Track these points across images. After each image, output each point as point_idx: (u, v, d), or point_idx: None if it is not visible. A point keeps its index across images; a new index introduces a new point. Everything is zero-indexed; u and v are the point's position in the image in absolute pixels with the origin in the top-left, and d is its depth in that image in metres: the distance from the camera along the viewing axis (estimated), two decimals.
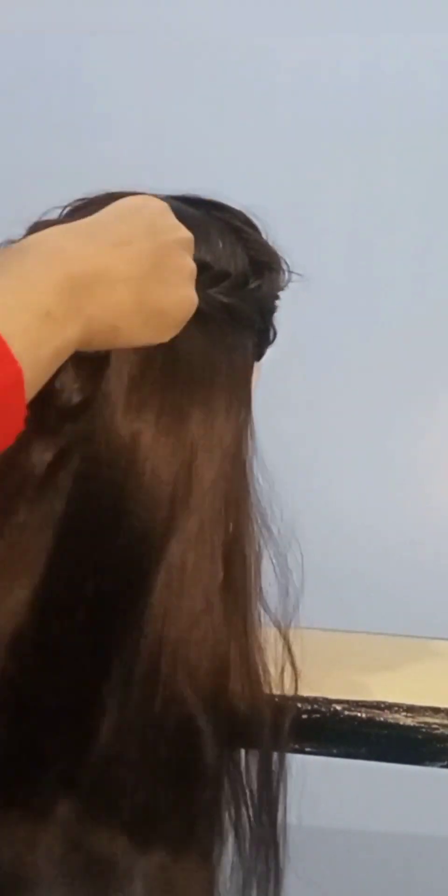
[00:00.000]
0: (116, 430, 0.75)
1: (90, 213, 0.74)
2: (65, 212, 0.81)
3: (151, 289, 0.70)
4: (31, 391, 0.63)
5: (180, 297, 0.73)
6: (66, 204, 0.82)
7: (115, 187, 0.81)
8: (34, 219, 0.81)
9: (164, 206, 0.75)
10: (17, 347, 0.61)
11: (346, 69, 1.63)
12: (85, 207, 0.80)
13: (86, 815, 0.76)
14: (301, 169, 1.63)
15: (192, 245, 0.75)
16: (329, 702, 0.83)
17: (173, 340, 0.74)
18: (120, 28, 1.65)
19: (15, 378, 0.61)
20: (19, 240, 0.72)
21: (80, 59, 1.67)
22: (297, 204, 1.55)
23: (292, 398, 1.58)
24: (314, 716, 0.82)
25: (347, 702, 0.83)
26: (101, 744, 0.75)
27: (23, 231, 0.81)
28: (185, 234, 0.74)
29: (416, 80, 1.62)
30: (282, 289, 0.84)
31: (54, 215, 0.81)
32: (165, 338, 0.74)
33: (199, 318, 0.75)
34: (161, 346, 0.74)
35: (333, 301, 1.60)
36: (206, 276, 0.77)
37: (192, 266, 0.74)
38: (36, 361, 0.63)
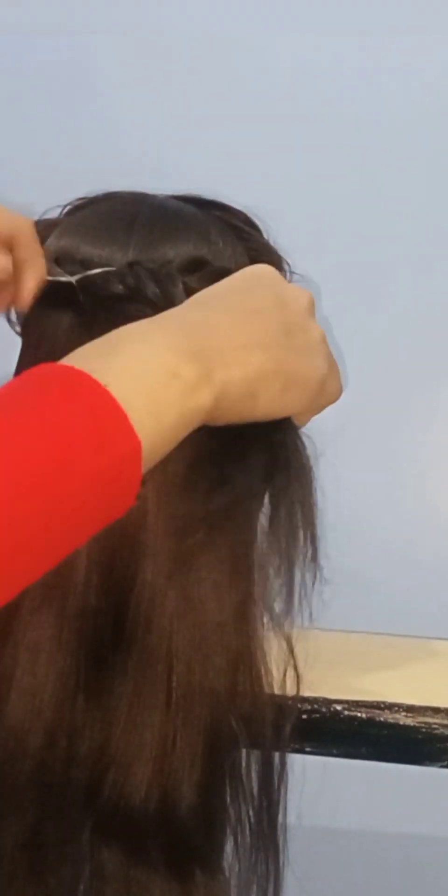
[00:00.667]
0: None
1: (90, 213, 0.74)
2: (64, 211, 0.81)
3: (287, 356, 0.67)
4: (149, 461, 0.58)
5: (315, 365, 0.70)
6: (65, 203, 0.82)
7: (115, 187, 0.81)
8: (34, 218, 0.81)
9: (278, 273, 0.72)
10: (137, 413, 0.56)
11: (347, 69, 1.63)
12: (85, 207, 0.80)
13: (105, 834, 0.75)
14: (302, 170, 1.62)
15: (314, 308, 0.72)
16: (329, 702, 0.82)
17: None
18: (120, 28, 1.65)
19: (132, 451, 0.56)
20: None
21: (81, 59, 1.67)
22: (297, 204, 1.55)
23: None
24: (314, 716, 0.82)
25: (347, 702, 0.82)
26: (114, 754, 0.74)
27: None
28: (309, 298, 0.72)
29: (418, 81, 1.62)
30: None
31: (54, 215, 0.81)
32: (305, 414, 0.71)
33: None
34: None
35: (333, 301, 1.59)
36: (206, 273, 0.76)
37: (321, 330, 0.71)
38: (158, 427, 0.58)
